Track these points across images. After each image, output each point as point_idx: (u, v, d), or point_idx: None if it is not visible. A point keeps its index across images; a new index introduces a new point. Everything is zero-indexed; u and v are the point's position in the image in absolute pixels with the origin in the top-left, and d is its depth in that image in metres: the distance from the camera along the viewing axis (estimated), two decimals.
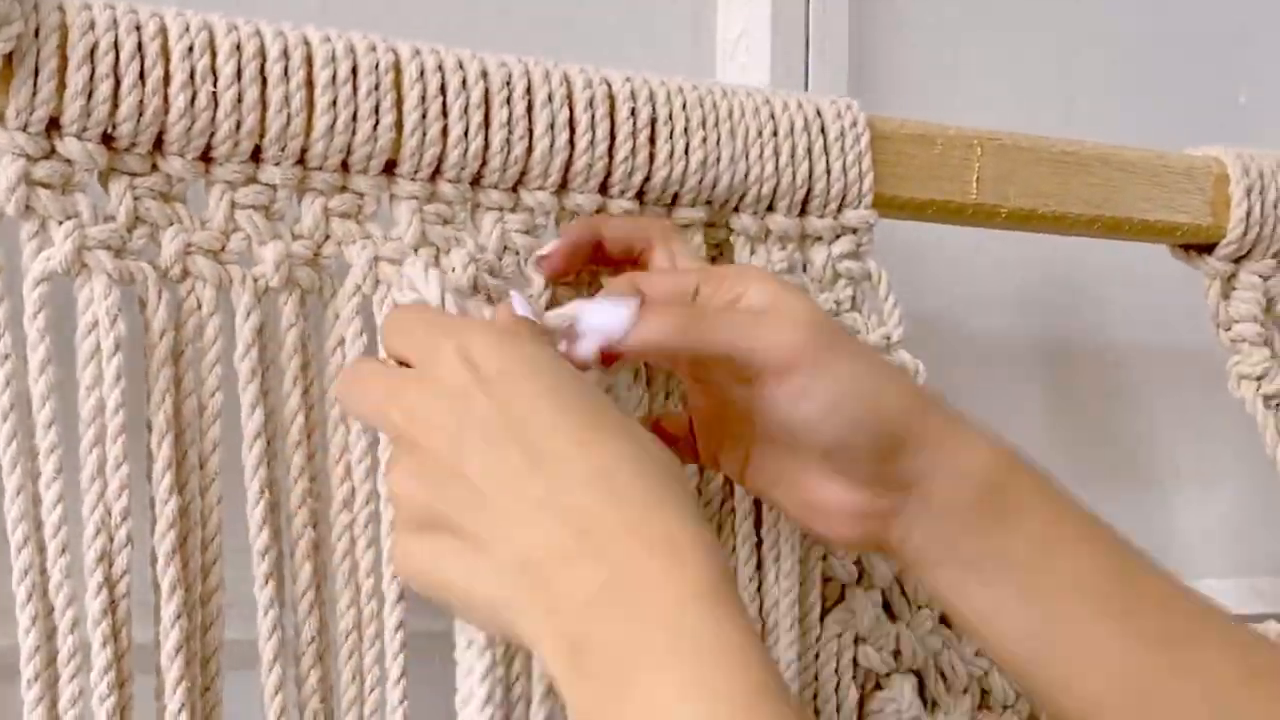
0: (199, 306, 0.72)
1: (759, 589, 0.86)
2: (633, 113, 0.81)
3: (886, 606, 0.89)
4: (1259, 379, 1.02)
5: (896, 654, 0.88)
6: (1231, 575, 1.24)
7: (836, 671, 0.87)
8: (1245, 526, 1.25)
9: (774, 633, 0.84)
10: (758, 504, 0.86)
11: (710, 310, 0.75)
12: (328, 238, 0.75)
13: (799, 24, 1.02)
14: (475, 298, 0.76)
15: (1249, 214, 1.00)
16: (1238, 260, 1.02)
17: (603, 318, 0.73)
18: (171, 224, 0.72)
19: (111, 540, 0.69)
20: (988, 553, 0.74)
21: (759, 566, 0.86)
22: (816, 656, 0.86)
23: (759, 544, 0.86)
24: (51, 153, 0.69)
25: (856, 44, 1.05)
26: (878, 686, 0.88)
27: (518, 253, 0.80)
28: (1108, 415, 1.20)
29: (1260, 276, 1.02)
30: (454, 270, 0.77)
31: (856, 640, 0.87)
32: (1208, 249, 1.02)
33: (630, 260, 0.80)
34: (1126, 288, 1.19)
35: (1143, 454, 1.22)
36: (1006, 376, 1.15)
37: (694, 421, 0.80)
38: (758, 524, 0.86)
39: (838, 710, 0.86)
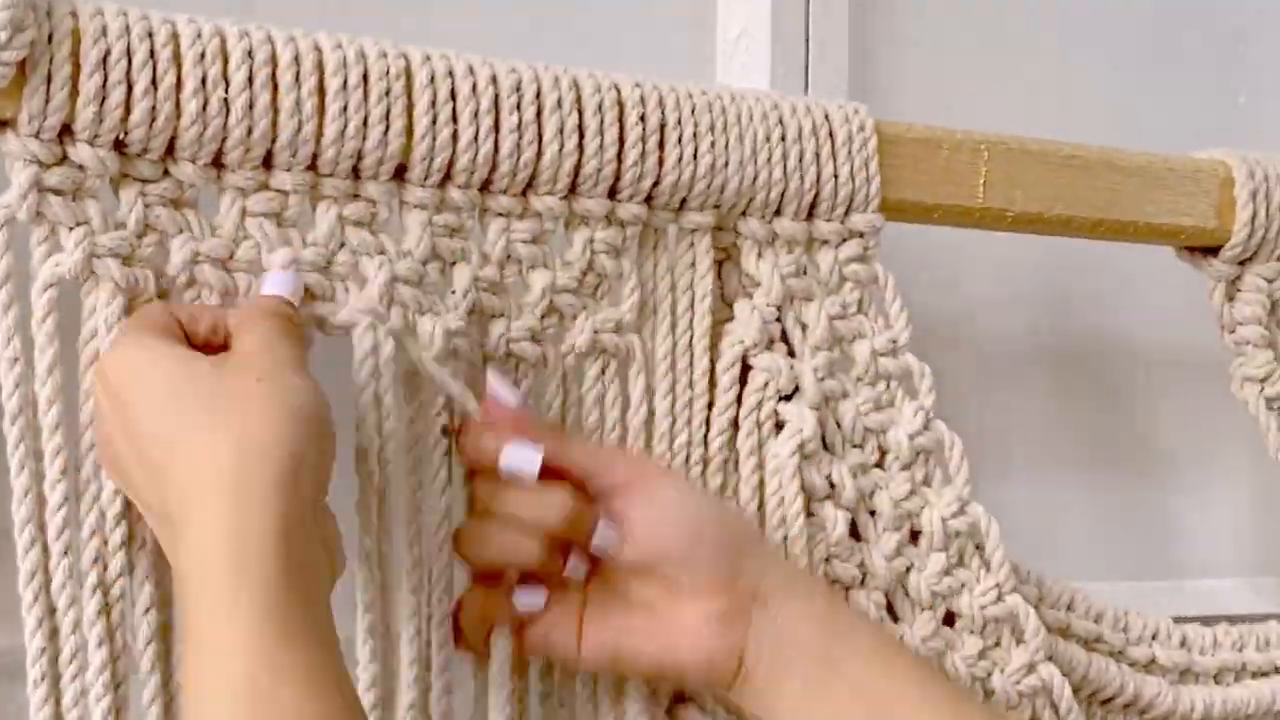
0: None
1: None
2: (642, 118, 0.81)
3: (889, 609, 0.89)
4: (1262, 381, 1.02)
5: None
6: (1232, 575, 1.24)
7: None
8: (1246, 527, 1.26)
9: None
10: (761, 508, 0.86)
11: (568, 443, 0.80)
12: (342, 246, 0.75)
13: (799, 24, 1.01)
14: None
15: (1254, 217, 1.00)
16: (1242, 263, 1.02)
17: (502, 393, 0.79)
18: (181, 231, 0.72)
19: (106, 543, 0.70)
20: (828, 664, 0.78)
21: None
22: None
23: None
24: (63, 159, 0.69)
25: (857, 44, 1.05)
26: None
27: (520, 262, 0.80)
28: (1110, 416, 1.20)
29: (1265, 279, 1.02)
30: (454, 293, 0.79)
31: None
32: (1213, 252, 1.02)
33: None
34: (1130, 289, 1.19)
35: (1145, 455, 1.22)
36: (1010, 379, 1.15)
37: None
38: (761, 526, 0.86)
39: None
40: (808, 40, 1.02)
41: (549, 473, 0.77)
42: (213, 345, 0.70)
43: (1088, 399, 1.19)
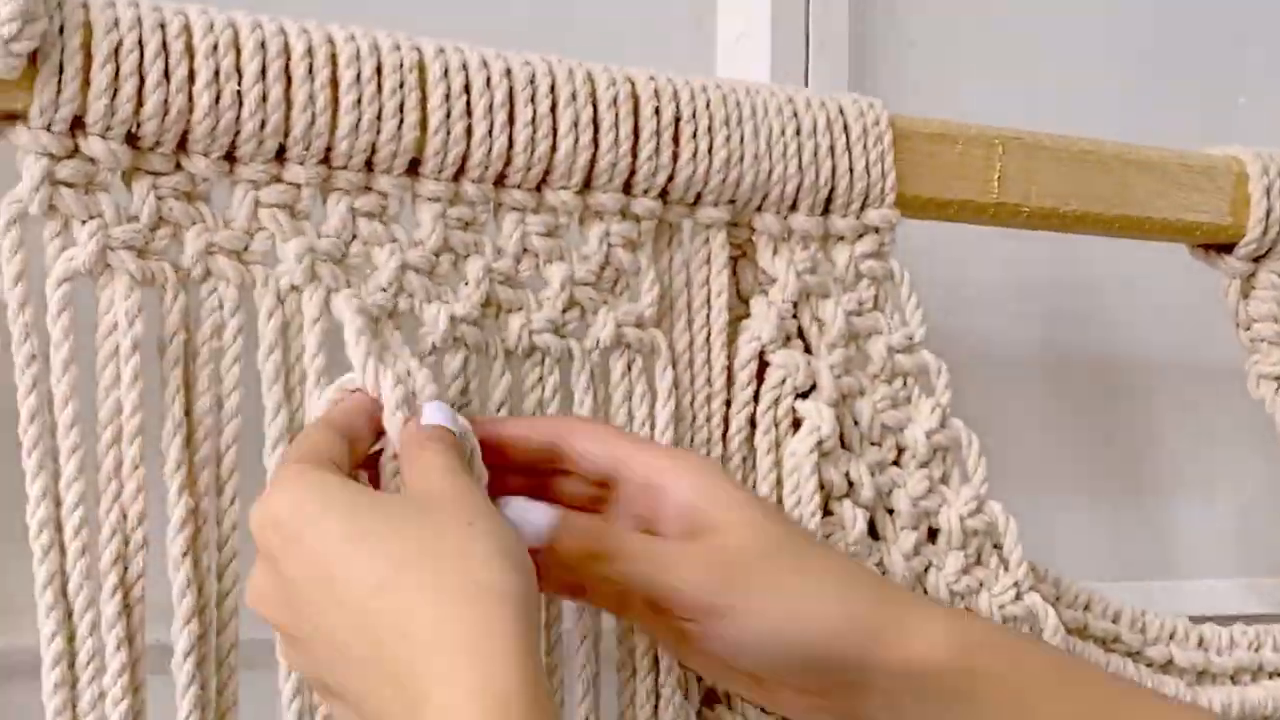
0: (220, 306, 0.71)
1: None
2: (656, 111, 0.80)
3: None
4: (1278, 378, 1.02)
5: None
6: (1233, 576, 1.24)
7: None
8: (1248, 528, 1.25)
9: None
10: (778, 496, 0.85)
11: (626, 539, 0.71)
12: (354, 237, 0.74)
13: (799, 24, 1.01)
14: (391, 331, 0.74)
15: (1269, 213, 0.99)
16: (1257, 259, 1.01)
17: (520, 517, 0.69)
18: (194, 223, 0.71)
19: (127, 543, 0.69)
20: None
21: None
22: None
23: None
24: (75, 152, 0.68)
25: (856, 44, 1.05)
26: None
27: (536, 255, 0.79)
28: (1112, 417, 1.20)
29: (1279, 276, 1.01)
30: (467, 284, 0.77)
31: None
32: (1227, 248, 1.01)
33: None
34: (1131, 291, 1.19)
35: (1154, 456, 1.21)
36: (1011, 379, 1.15)
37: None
38: None
39: None
40: (808, 40, 1.02)
41: None
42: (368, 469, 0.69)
43: (1089, 400, 1.18)
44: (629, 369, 0.82)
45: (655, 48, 1.00)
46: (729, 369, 0.85)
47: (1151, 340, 1.21)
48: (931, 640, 0.72)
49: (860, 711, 0.72)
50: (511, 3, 0.95)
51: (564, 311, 0.80)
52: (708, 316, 0.84)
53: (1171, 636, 1.00)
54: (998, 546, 0.90)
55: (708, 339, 0.84)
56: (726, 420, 0.85)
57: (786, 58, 1.00)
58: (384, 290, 0.75)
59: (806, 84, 1.01)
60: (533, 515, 0.69)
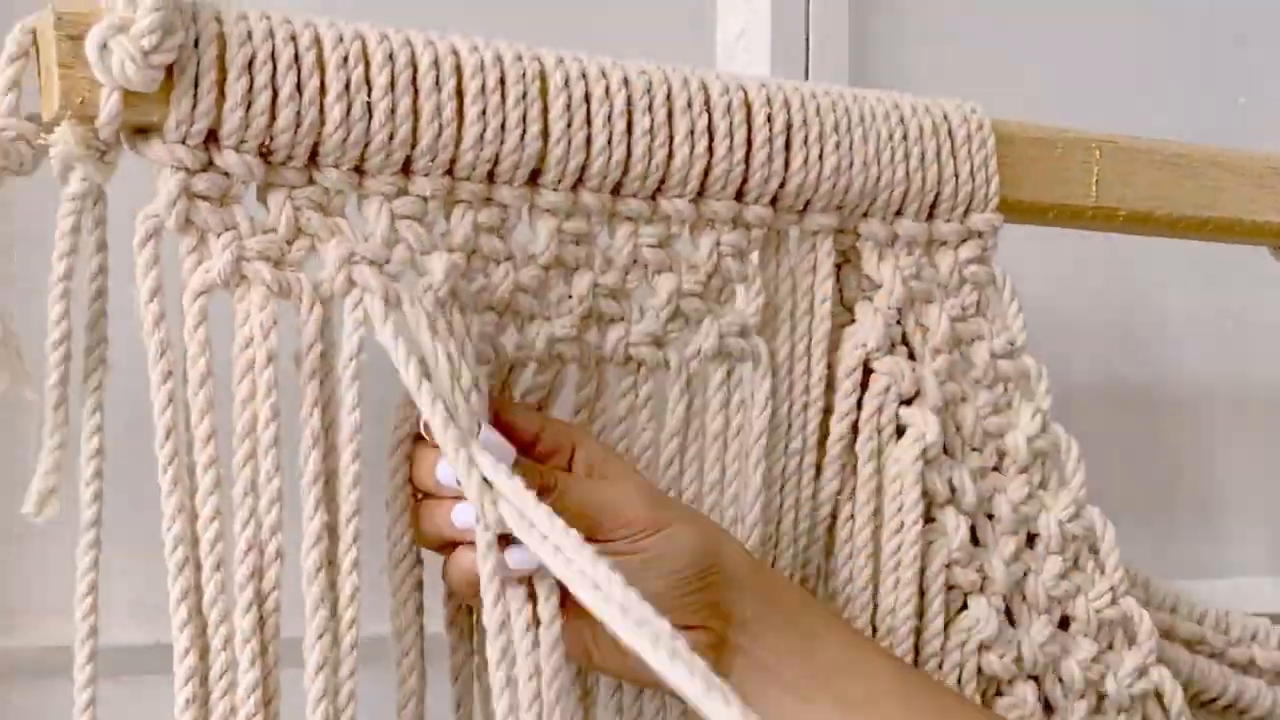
0: (365, 319, 0.70)
1: (874, 596, 0.85)
2: (768, 119, 0.80)
3: (1008, 613, 0.88)
4: None
5: (1018, 660, 0.87)
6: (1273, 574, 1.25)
7: (960, 680, 0.86)
8: None
9: (887, 639, 0.84)
10: (877, 514, 0.85)
11: (572, 476, 0.77)
12: (474, 252, 0.74)
13: (799, 24, 1.01)
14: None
15: None
16: None
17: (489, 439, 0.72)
18: (333, 235, 0.70)
19: (262, 555, 0.69)
20: (806, 674, 0.77)
21: (876, 574, 0.85)
22: (940, 665, 0.86)
23: (877, 552, 0.85)
24: (210, 165, 0.68)
25: (857, 44, 1.05)
26: (999, 693, 0.88)
27: (646, 266, 0.79)
28: (1163, 437, 1.21)
29: None
30: (570, 298, 0.77)
31: (980, 648, 0.86)
32: None
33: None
34: (1180, 321, 1.20)
35: (1199, 475, 1.22)
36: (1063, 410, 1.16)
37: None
38: (876, 530, 0.85)
39: None
40: (808, 39, 1.02)
41: None
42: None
43: (1130, 430, 1.19)
44: (728, 377, 0.82)
45: (655, 46, 0.98)
46: (829, 376, 0.85)
47: (1204, 359, 1.21)
48: (784, 587, 0.81)
49: (727, 642, 0.77)
50: (512, 3, 0.94)
51: (667, 323, 0.80)
52: (810, 324, 0.84)
53: (1254, 637, 1.00)
54: (1094, 551, 0.90)
55: (808, 347, 0.84)
56: (823, 428, 0.85)
57: (786, 57, 1.01)
58: (492, 309, 0.74)
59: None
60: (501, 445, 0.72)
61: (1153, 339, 1.20)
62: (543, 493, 0.71)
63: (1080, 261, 1.12)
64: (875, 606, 0.86)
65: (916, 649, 0.86)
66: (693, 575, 0.75)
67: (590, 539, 0.69)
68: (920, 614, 0.86)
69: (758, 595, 0.77)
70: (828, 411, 0.86)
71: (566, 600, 0.74)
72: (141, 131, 0.67)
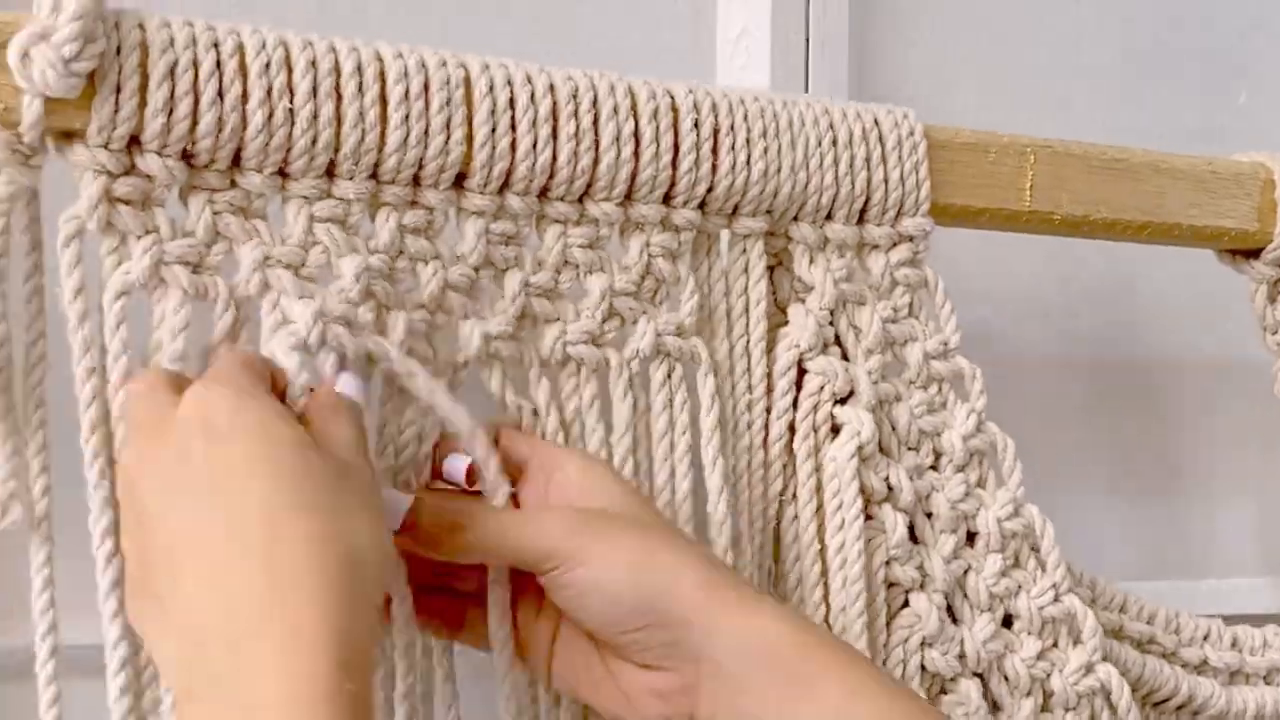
0: (284, 320, 0.72)
1: (825, 596, 0.86)
2: (696, 124, 0.82)
3: (950, 610, 0.89)
4: None
5: (961, 657, 0.88)
6: (1251, 575, 1.25)
7: (904, 675, 0.87)
8: (1267, 526, 1.26)
9: (843, 638, 0.85)
10: (819, 511, 0.87)
11: (478, 508, 0.74)
12: (401, 253, 0.76)
13: (799, 24, 1.02)
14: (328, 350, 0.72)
15: None
16: None
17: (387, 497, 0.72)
18: (250, 238, 0.72)
19: None
20: None
21: (824, 573, 0.86)
22: (884, 661, 0.87)
23: (823, 550, 0.86)
24: (131, 169, 0.70)
25: (856, 44, 1.06)
26: (943, 690, 0.89)
27: (577, 267, 0.81)
28: (1132, 420, 1.21)
29: None
30: (503, 299, 0.78)
31: (923, 644, 0.87)
32: (1254, 254, 1.02)
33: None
34: (1162, 296, 1.20)
35: (1177, 458, 1.22)
36: (1041, 385, 1.16)
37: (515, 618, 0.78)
38: (820, 528, 0.86)
39: None
40: (808, 40, 1.03)
41: None
42: None
43: (1113, 406, 1.19)
44: (669, 377, 0.83)
45: (656, 47, 1.01)
46: (768, 376, 0.87)
47: (1181, 340, 1.21)
48: (776, 613, 0.74)
49: (699, 689, 0.73)
50: (512, 3, 0.96)
51: (603, 322, 0.81)
52: (746, 325, 0.86)
53: (1206, 638, 1.01)
54: (1035, 549, 0.91)
55: (747, 347, 0.86)
56: (767, 427, 0.87)
57: (786, 58, 1.02)
58: (423, 308, 0.76)
59: (806, 85, 1.02)
60: (394, 501, 0.72)
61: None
62: (452, 530, 0.72)
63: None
64: (828, 607, 0.87)
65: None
66: (627, 614, 0.72)
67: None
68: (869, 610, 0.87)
69: (736, 638, 0.72)
70: (768, 411, 0.87)
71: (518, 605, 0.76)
72: (67, 136, 0.69)
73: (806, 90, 1.01)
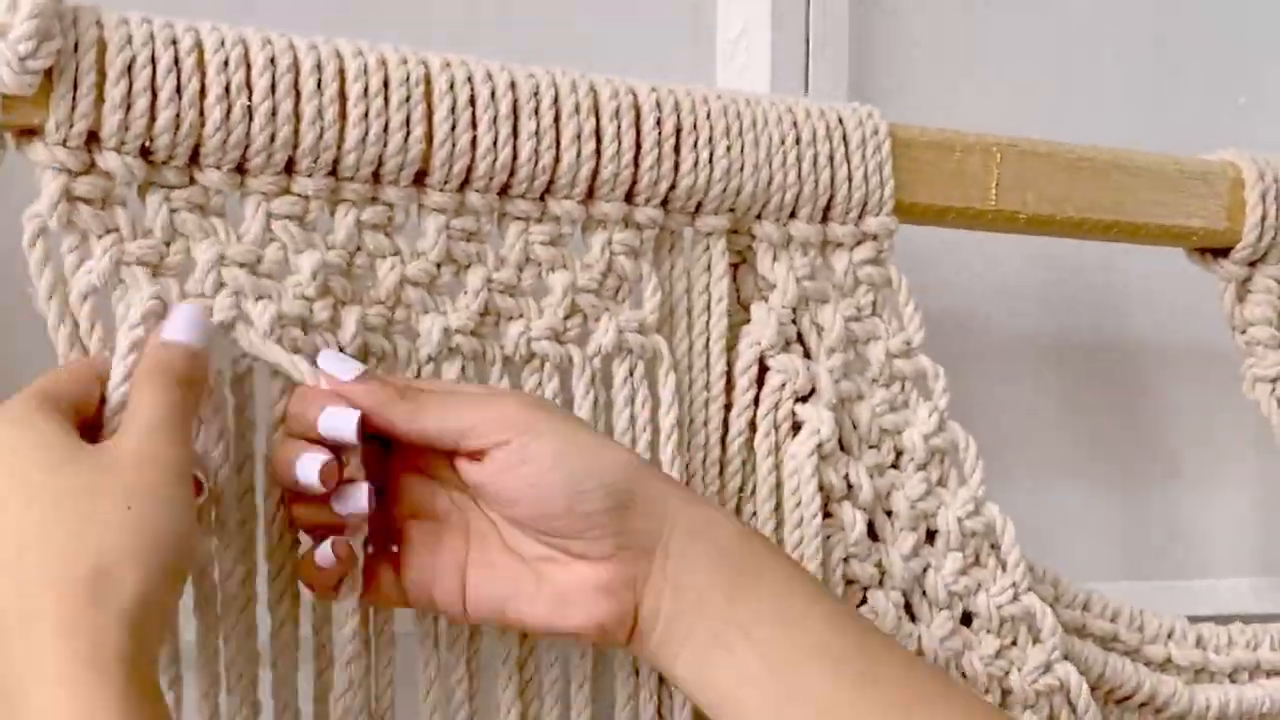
0: (239, 316, 0.72)
1: None
2: (658, 122, 0.82)
3: (908, 608, 0.90)
4: (1274, 381, 1.03)
5: (919, 654, 0.89)
6: (1246, 574, 1.25)
7: None
8: (1257, 526, 1.26)
9: None
10: (779, 509, 0.87)
11: (425, 394, 0.74)
12: (359, 249, 0.76)
13: (799, 24, 1.02)
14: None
15: (1264, 218, 1.00)
16: (1253, 264, 1.02)
17: (333, 368, 0.73)
18: (207, 236, 0.72)
19: None
20: (731, 622, 0.73)
21: None
22: None
23: (780, 544, 0.87)
24: (91, 167, 0.70)
25: (856, 44, 1.06)
26: None
27: (539, 264, 0.81)
28: (1116, 416, 1.21)
29: (1275, 280, 1.02)
30: (466, 294, 0.79)
31: None
32: (1223, 253, 1.02)
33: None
34: (1136, 288, 1.20)
35: (1151, 455, 1.22)
36: (1015, 379, 1.16)
37: (402, 559, 0.76)
38: (779, 526, 0.87)
39: None
40: (808, 40, 1.03)
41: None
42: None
43: (1093, 399, 1.19)
44: (630, 374, 0.84)
45: (655, 48, 1.01)
46: (729, 374, 0.87)
47: (1158, 335, 1.22)
48: (721, 510, 0.78)
49: (648, 580, 0.73)
50: (511, 3, 0.96)
51: (566, 319, 0.82)
52: (708, 323, 0.86)
53: (1169, 635, 1.01)
54: (995, 547, 0.91)
55: (707, 344, 0.86)
56: (726, 424, 0.87)
57: (786, 58, 1.02)
58: (382, 303, 0.76)
59: (806, 85, 1.02)
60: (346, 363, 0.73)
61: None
62: (405, 393, 0.72)
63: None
64: None
65: None
66: (591, 490, 0.72)
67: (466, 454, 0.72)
68: None
69: (686, 529, 0.74)
70: (729, 409, 0.88)
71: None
72: (28, 134, 0.69)
73: (806, 90, 1.01)
